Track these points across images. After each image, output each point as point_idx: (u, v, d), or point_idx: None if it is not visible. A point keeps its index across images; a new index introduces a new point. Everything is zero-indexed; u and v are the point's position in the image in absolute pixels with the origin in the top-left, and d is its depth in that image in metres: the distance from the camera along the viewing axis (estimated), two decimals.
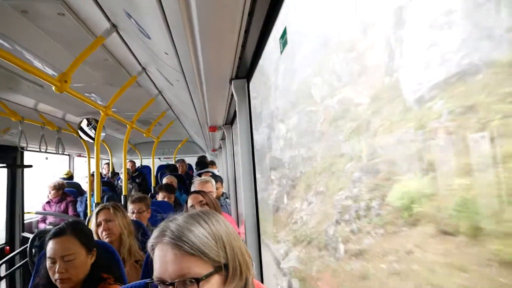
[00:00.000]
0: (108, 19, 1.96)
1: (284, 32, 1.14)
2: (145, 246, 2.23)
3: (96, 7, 1.83)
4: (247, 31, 1.40)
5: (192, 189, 3.09)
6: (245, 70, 1.88)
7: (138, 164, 7.42)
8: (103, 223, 2.23)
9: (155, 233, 0.83)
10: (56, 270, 1.58)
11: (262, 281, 2.11)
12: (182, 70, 1.95)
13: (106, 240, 2.21)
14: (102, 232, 2.23)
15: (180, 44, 1.56)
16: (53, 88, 2.00)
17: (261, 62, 1.70)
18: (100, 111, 2.98)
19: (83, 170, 6.97)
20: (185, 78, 2.13)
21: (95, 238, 2.14)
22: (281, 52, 1.20)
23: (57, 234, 1.66)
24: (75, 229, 1.72)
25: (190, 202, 2.31)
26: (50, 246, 1.63)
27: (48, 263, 1.62)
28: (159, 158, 8.34)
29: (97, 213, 2.28)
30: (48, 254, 1.62)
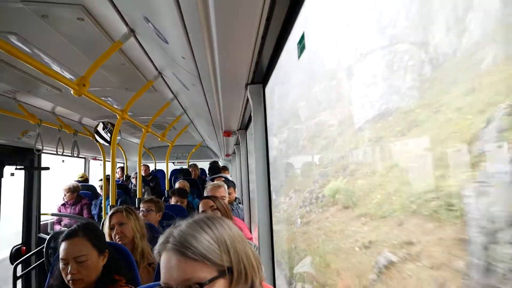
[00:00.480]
0: (126, 24, 1.98)
1: (302, 37, 1.13)
2: None
3: (115, 12, 1.85)
4: (264, 37, 1.39)
5: (205, 193, 3.10)
6: (261, 75, 1.87)
7: (152, 167, 7.48)
8: (116, 226, 2.26)
9: (160, 239, 0.86)
10: (68, 271, 1.62)
11: (274, 285, 2.09)
12: (199, 74, 1.95)
13: (119, 243, 2.22)
14: (115, 235, 2.25)
15: (197, 48, 1.56)
16: (72, 91, 2.03)
17: (277, 67, 1.69)
18: (117, 115, 3.01)
19: (98, 173, 7.09)
20: (201, 83, 2.13)
21: (108, 240, 2.16)
22: (299, 57, 1.19)
23: (69, 236, 1.70)
24: (87, 231, 1.74)
25: (201, 207, 2.32)
26: (62, 248, 1.66)
27: (61, 264, 1.65)
28: (173, 163, 8.40)
29: (111, 216, 2.31)
30: (60, 256, 1.65)
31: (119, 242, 2.22)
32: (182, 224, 0.85)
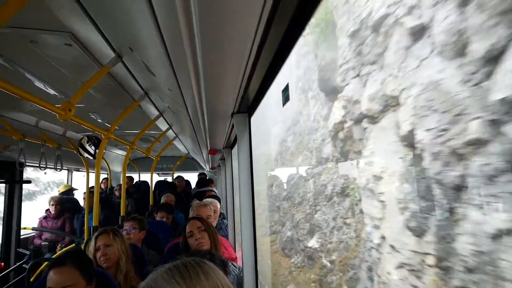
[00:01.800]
0: (114, 50, 2.00)
1: (287, 88, 1.17)
2: (142, 270, 2.25)
3: (102, 39, 1.87)
4: (252, 71, 1.43)
5: (191, 212, 3.07)
6: (247, 105, 1.91)
7: (135, 178, 7.39)
8: (101, 247, 2.23)
9: (144, 282, 0.82)
10: None
11: None
12: (185, 104, 1.98)
13: (104, 265, 2.20)
14: (100, 257, 2.22)
15: (183, 82, 1.60)
16: (57, 116, 2.03)
17: (264, 98, 1.74)
18: (102, 135, 3.00)
19: (80, 183, 6.97)
20: (187, 110, 2.16)
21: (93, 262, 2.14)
22: (283, 104, 1.23)
23: (58, 264, 1.69)
24: (76, 259, 1.74)
25: (188, 228, 2.28)
26: (50, 276, 1.65)
27: None
28: (158, 174, 8.32)
29: (96, 237, 2.27)
30: (48, 284, 1.65)
31: (104, 264, 2.20)
32: (158, 272, 0.82)
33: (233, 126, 2.24)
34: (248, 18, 1.00)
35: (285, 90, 1.18)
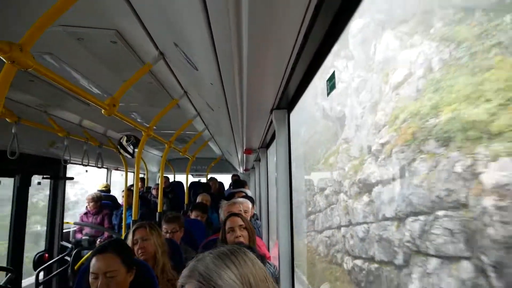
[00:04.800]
0: (157, 48, 2.04)
1: (333, 76, 1.13)
2: (178, 265, 2.26)
3: (146, 36, 1.91)
4: (294, 67, 1.41)
5: (220, 212, 3.06)
6: (287, 101, 1.89)
7: (171, 179, 7.55)
8: (139, 241, 2.29)
9: (184, 272, 0.84)
10: (98, 285, 1.67)
11: None
12: (225, 99, 1.99)
13: (141, 258, 2.25)
14: (138, 250, 2.28)
15: (226, 76, 1.60)
16: (102, 111, 2.09)
17: (304, 94, 1.71)
18: (142, 132, 3.08)
19: (118, 182, 7.22)
20: (226, 106, 2.17)
21: None
22: (328, 94, 1.20)
23: (101, 251, 1.76)
24: (117, 247, 1.81)
25: (229, 224, 2.25)
26: (93, 262, 1.73)
27: (90, 278, 1.71)
28: (192, 175, 8.46)
29: (134, 231, 2.34)
30: (91, 270, 1.72)
31: (141, 257, 2.25)
32: (207, 258, 0.84)
33: (271, 123, 2.22)
34: (295, 9, 0.98)
35: (331, 79, 1.14)
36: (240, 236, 2.20)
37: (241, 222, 2.24)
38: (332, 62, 1.20)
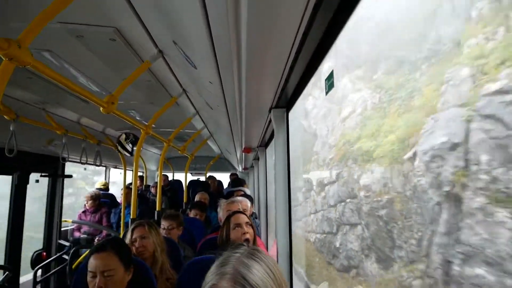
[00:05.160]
0: (156, 46, 2.04)
1: (331, 75, 1.13)
2: (177, 264, 2.25)
3: (146, 34, 1.91)
4: (292, 66, 1.41)
5: (219, 210, 3.05)
6: (285, 100, 1.89)
7: (169, 177, 7.55)
8: (138, 239, 2.28)
9: (216, 268, 0.83)
10: (95, 284, 1.66)
11: None
12: (224, 97, 1.98)
13: (140, 257, 2.25)
14: (136, 249, 2.27)
15: (225, 75, 1.60)
16: (101, 109, 2.09)
17: (303, 93, 1.71)
18: (141, 130, 3.07)
19: (116, 180, 7.21)
20: (225, 105, 2.16)
21: None
22: (326, 93, 1.20)
23: (98, 249, 1.75)
24: (116, 246, 1.80)
25: (235, 221, 2.21)
26: (91, 261, 1.72)
27: (88, 277, 1.71)
28: (191, 173, 8.46)
29: (133, 230, 2.33)
30: (89, 268, 1.71)
31: (140, 256, 2.24)
32: (240, 255, 0.84)
33: (270, 122, 2.22)
34: (294, 8, 0.98)
35: (329, 78, 1.14)
36: (247, 232, 2.19)
37: (247, 220, 2.22)
38: (331, 62, 1.20)
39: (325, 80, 1.21)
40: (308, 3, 0.94)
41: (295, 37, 1.13)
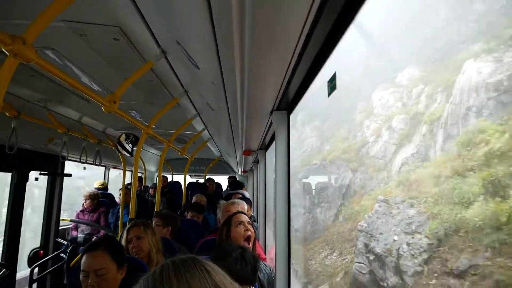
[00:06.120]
0: (159, 45, 2.04)
1: (334, 77, 1.14)
2: None
3: (149, 34, 1.91)
4: (294, 69, 1.41)
5: (218, 212, 3.04)
6: (287, 103, 1.89)
7: (169, 179, 7.53)
8: (133, 239, 2.30)
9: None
10: (88, 283, 1.67)
11: None
12: (226, 99, 1.99)
13: (135, 256, 2.25)
14: (132, 249, 2.28)
15: (228, 75, 1.60)
16: (102, 108, 2.09)
17: (304, 96, 1.71)
18: (142, 130, 3.07)
19: (115, 180, 7.21)
20: (227, 106, 2.17)
21: (125, 253, 2.19)
22: (329, 94, 1.21)
23: (91, 248, 1.77)
24: (108, 244, 1.81)
25: (238, 219, 2.24)
26: (83, 260, 1.73)
27: (81, 275, 1.72)
28: (190, 175, 8.44)
29: (128, 230, 2.35)
30: (82, 267, 1.72)
31: (136, 256, 2.25)
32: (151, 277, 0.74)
33: (271, 124, 2.22)
34: (298, 10, 0.99)
35: (332, 80, 1.15)
36: (249, 229, 2.20)
37: (248, 219, 2.24)
38: (333, 65, 1.21)
39: (328, 82, 1.21)
40: (312, 4, 0.94)
41: (299, 38, 1.14)
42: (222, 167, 8.53)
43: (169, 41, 1.93)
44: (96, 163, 4.50)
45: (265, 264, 2.29)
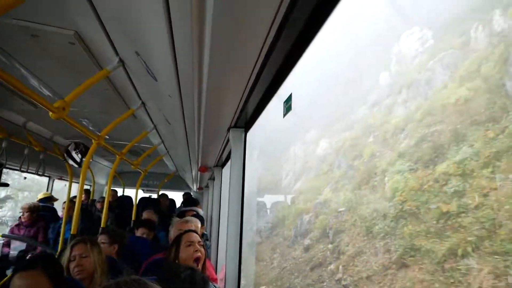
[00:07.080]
0: (117, 54, 1.99)
1: (289, 98, 1.16)
2: None
3: (107, 42, 1.85)
4: (253, 87, 1.43)
5: (171, 229, 2.94)
6: (244, 120, 1.91)
7: (119, 193, 7.18)
8: (77, 258, 2.07)
9: None
10: None
11: None
12: (183, 113, 1.96)
13: (77, 277, 2.05)
14: (74, 268, 2.07)
15: (186, 89, 1.58)
16: (50, 114, 1.96)
17: (261, 114, 1.74)
18: (92, 140, 2.92)
19: (61, 192, 6.75)
20: (184, 120, 2.14)
21: (65, 273, 2.00)
22: (284, 115, 1.23)
23: (25, 268, 1.52)
24: (45, 263, 1.59)
25: (188, 238, 2.12)
26: (15, 281, 1.49)
27: None
28: (143, 190, 8.12)
29: (72, 247, 2.13)
30: None
31: (77, 276, 2.05)
32: None
33: (228, 141, 2.22)
34: (259, 27, 1.00)
35: (288, 101, 1.17)
36: (198, 250, 2.11)
37: (199, 239, 2.15)
38: (290, 85, 1.23)
39: (284, 102, 1.23)
40: (272, 25, 0.96)
41: (258, 56, 1.15)
42: (177, 182, 8.30)
43: (128, 51, 1.88)
44: (39, 173, 4.19)
45: (214, 286, 2.22)
